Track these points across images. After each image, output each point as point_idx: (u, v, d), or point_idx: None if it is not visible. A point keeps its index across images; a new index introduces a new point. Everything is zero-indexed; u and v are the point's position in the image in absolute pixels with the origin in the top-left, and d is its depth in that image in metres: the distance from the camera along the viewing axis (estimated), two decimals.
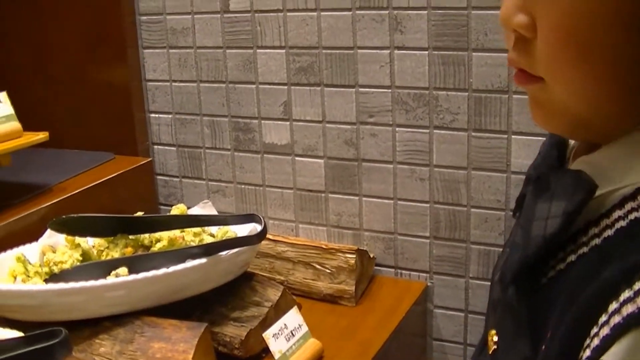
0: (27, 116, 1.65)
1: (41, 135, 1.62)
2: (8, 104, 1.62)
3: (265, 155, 1.71)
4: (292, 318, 1.32)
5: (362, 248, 1.57)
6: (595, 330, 0.56)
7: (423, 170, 1.54)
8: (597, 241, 0.63)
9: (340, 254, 1.52)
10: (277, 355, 1.26)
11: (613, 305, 0.55)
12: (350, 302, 1.52)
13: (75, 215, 1.41)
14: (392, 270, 1.63)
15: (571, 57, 0.62)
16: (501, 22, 0.67)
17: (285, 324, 1.30)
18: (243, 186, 1.77)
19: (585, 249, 0.64)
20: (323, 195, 1.66)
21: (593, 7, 0.59)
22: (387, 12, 1.50)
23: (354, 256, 1.51)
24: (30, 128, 1.63)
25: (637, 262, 0.55)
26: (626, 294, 0.54)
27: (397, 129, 1.54)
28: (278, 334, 1.27)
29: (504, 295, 0.70)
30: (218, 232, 1.46)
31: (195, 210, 1.56)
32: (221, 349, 1.30)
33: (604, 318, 0.55)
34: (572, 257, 0.65)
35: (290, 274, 1.56)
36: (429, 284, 1.59)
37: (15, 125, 1.61)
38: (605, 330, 0.54)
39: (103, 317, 1.26)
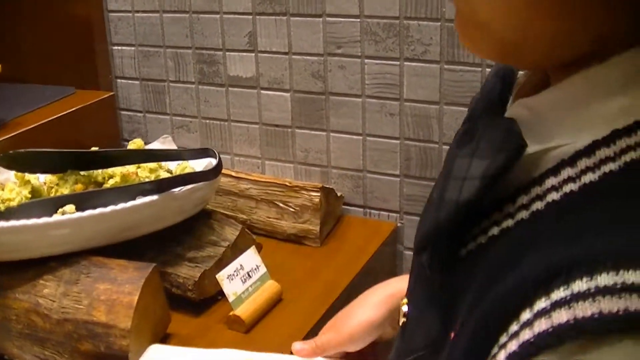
0: None
1: None
2: None
3: (230, 88, 1.63)
4: (250, 258, 1.25)
5: (328, 186, 1.50)
6: (504, 339, 0.44)
7: (393, 105, 1.46)
8: (524, 214, 0.52)
9: (304, 192, 1.45)
10: (231, 298, 1.20)
11: (526, 315, 0.43)
12: (315, 243, 1.45)
13: (24, 150, 1.34)
14: (361, 210, 1.57)
15: None
16: None
17: (241, 265, 1.23)
18: (208, 121, 1.69)
19: (510, 222, 0.53)
20: (290, 130, 1.58)
21: None
22: None
23: (319, 194, 1.44)
24: None
25: (560, 261, 0.43)
26: (542, 303, 0.42)
27: (366, 60, 1.46)
28: (233, 275, 1.21)
29: (417, 260, 0.62)
30: (176, 169, 1.39)
31: (155, 146, 1.49)
32: (175, 291, 1.24)
33: (514, 327, 0.43)
34: (495, 230, 0.53)
35: (253, 213, 1.50)
36: (399, 224, 1.53)
37: None
38: (512, 346, 0.43)
39: (49, 257, 1.19)
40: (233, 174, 1.53)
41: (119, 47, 1.77)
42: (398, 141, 1.48)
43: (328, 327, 1.03)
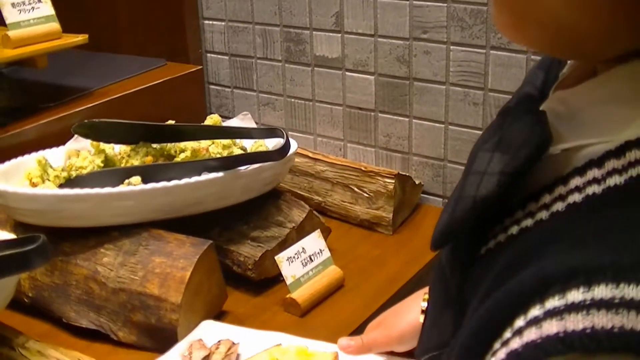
0: (78, 19, 1.58)
1: (80, 38, 1.55)
2: (49, 5, 1.55)
3: (315, 68, 1.61)
4: (313, 242, 1.23)
5: (404, 173, 1.46)
6: (497, 345, 0.40)
7: (477, 94, 1.41)
8: (544, 214, 0.48)
9: (379, 178, 1.42)
10: (289, 280, 1.17)
11: (519, 322, 0.39)
12: (387, 230, 1.42)
13: (99, 120, 1.34)
14: (440, 199, 1.52)
15: None
16: None
17: (303, 248, 1.21)
18: (293, 100, 1.67)
19: (530, 222, 0.49)
20: (372, 114, 1.55)
21: None
22: None
23: (393, 181, 1.40)
24: (81, 31, 1.57)
25: (560, 268, 0.39)
26: (535, 310, 0.38)
27: (451, 47, 1.42)
28: (293, 257, 1.19)
29: (438, 257, 0.58)
30: (252, 147, 1.37)
31: (234, 122, 1.48)
32: (235, 269, 1.23)
33: (507, 334, 0.39)
34: (515, 229, 0.49)
35: (329, 195, 1.47)
36: None
37: (54, 26, 1.55)
38: (501, 354, 0.39)
39: (112, 227, 1.19)
40: (310, 154, 1.51)
41: (210, 22, 1.76)
42: (481, 132, 1.43)
43: (376, 323, 1.01)
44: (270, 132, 1.31)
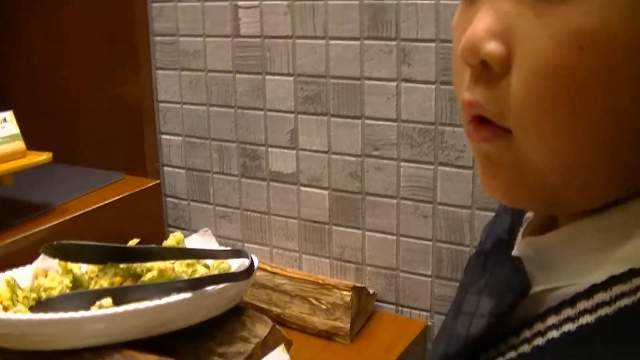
0: (40, 132, 1.64)
1: (44, 157, 1.60)
2: (14, 124, 1.61)
3: (271, 183, 1.68)
4: (278, 356, 1.28)
5: (360, 285, 1.54)
6: None
7: (427, 207, 1.50)
8: (526, 348, 0.53)
9: (336, 290, 1.49)
10: None
11: None
12: (345, 340, 1.48)
13: (67, 242, 1.39)
14: (393, 307, 1.59)
15: (561, 106, 0.47)
16: (465, 48, 0.50)
17: None
18: (249, 213, 1.74)
19: (513, 354, 0.54)
20: (327, 227, 1.63)
21: (616, 44, 0.45)
22: (395, 43, 1.46)
23: (350, 293, 1.47)
24: (43, 144, 1.62)
25: None
26: None
27: (402, 163, 1.50)
28: None
29: None
30: (213, 264, 1.43)
31: (195, 239, 1.53)
32: None
33: None
34: None
35: (287, 307, 1.53)
36: (429, 323, 1.55)
37: (19, 145, 1.60)
38: None
39: (84, 348, 1.23)
40: (269, 268, 1.57)
41: (167, 137, 1.83)
42: (431, 242, 1.51)
43: None
44: (236, 254, 1.37)
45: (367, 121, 1.52)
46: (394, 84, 1.48)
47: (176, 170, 1.84)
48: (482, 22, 0.49)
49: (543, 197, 0.52)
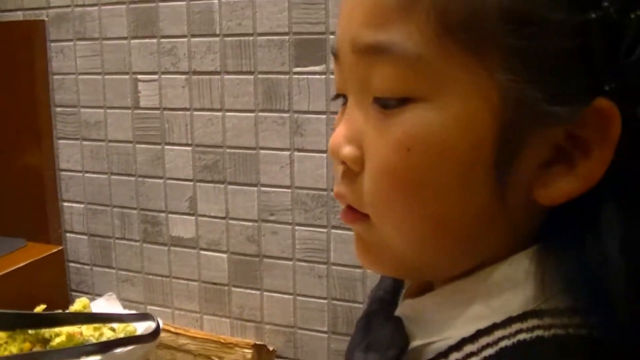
0: None
1: None
2: None
3: (172, 247, 1.76)
4: None
5: (260, 343, 1.62)
6: None
7: (321, 268, 1.60)
8: None
9: (238, 349, 1.57)
10: None
11: None
12: None
13: None
14: None
15: (397, 197, 0.57)
16: (330, 153, 0.60)
17: None
18: (151, 276, 1.81)
19: None
20: (226, 288, 1.71)
21: (434, 144, 0.54)
22: (288, 115, 1.57)
23: (251, 351, 1.56)
24: None
25: None
26: None
27: (296, 227, 1.60)
28: None
29: None
30: (119, 327, 1.49)
31: (100, 303, 1.59)
32: None
33: None
34: None
35: None
36: None
37: None
38: None
39: None
40: (172, 329, 1.64)
41: (69, 204, 1.89)
42: (326, 301, 1.61)
43: None
44: (142, 317, 1.45)
45: (262, 188, 1.62)
46: (287, 153, 1.58)
47: (78, 236, 1.90)
48: (341, 129, 0.60)
49: (402, 268, 0.63)
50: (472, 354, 0.59)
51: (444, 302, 0.63)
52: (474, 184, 0.55)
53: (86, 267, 1.91)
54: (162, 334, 1.61)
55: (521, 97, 0.52)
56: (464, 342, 0.59)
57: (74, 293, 1.94)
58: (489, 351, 0.58)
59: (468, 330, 0.60)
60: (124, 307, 1.79)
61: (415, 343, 0.63)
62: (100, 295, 1.66)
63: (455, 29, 0.52)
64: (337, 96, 0.63)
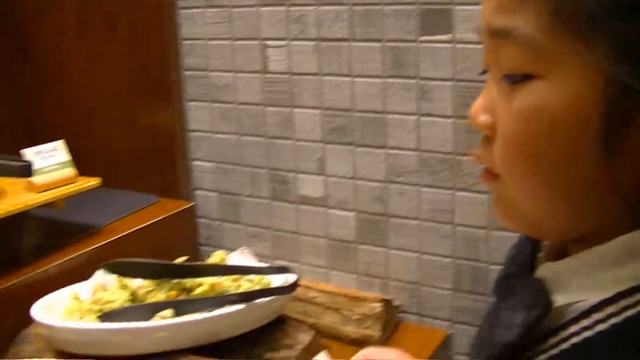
0: (81, 157, 1.79)
1: (93, 182, 1.77)
2: (65, 152, 1.77)
3: (299, 205, 1.85)
4: None
5: (387, 297, 1.70)
6: None
7: (446, 228, 1.66)
8: (554, 352, 0.68)
9: (367, 302, 1.65)
10: None
11: None
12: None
13: (125, 260, 1.54)
14: (415, 317, 1.75)
15: (519, 162, 0.66)
16: (469, 120, 0.71)
17: None
18: (279, 233, 1.90)
19: (543, 357, 0.69)
20: (353, 245, 1.79)
21: (546, 117, 0.62)
22: (414, 81, 1.63)
23: (380, 304, 1.64)
24: (83, 168, 1.79)
25: None
26: None
27: (422, 189, 1.67)
28: None
29: None
30: (255, 279, 1.58)
31: (234, 256, 1.68)
32: None
33: None
34: None
35: (320, 318, 1.69)
36: (449, 332, 1.71)
37: (71, 171, 1.76)
38: None
39: (149, 354, 1.38)
40: (303, 283, 1.73)
41: (199, 163, 2.00)
42: (450, 259, 1.68)
43: None
44: (280, 270, 1.54)
45: (389, 151, 1.69)
46: (414, 117, 1.65)
47: (208, 193, 2.01)
48: (480, 100, 0.70)
49: (528, 224, 0.72)
50: (613, 314, 0.65)
51: (582, 265, 0.69)
52: (580, 156, 0.63)
53: (215, 222, 2.02)
54: None
55: (625, 81, 0.59)
56: (604, 303, 0.66)
57: (202, 247, 2.05)
58: (630, 312, 0.64)
59: (608, 293, 0.66)
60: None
61: (557, 304, 0.69)
62: (229, 250, 1.75)
63: (566, 19, 0.60)
64: (483, 72, 0.72)
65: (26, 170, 1.59)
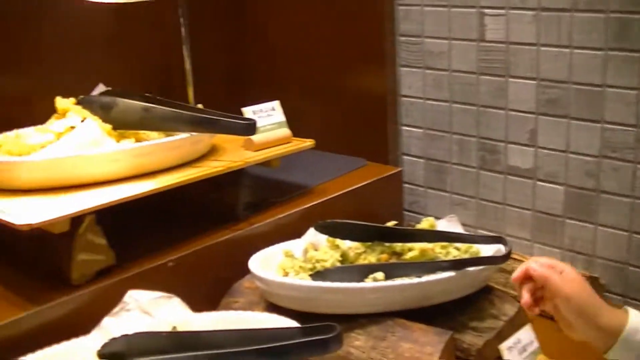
0: (291, 120, 1.86)
1: (308, 143, 1.83)
2: (280, 112, 1.84)
3: (508, 176, 1.84)
4: (526, 334, 1.44)
5: (593, 275, 1.67)
6: None
7: None
8: None
9: None
10: None
11: None
12: None
13: (337, 220, 1.59)
14: (620, 298, 1.72)
15: None
16: None
17: (519, 339, 1.42)
18: (484, 202, 1.90)
19: None
20: (560, 219, 1.77)
21: None
22: (639, 54, 1.58)
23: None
24: (294, 131, 1.86)
25: None
26: None
27: (638, 166, 1.63)
28: (512, 347, 1.40)
29: None
30: (463, 246, 1.60)
31: (442, 224, 1.70)
32: (459, 354, 1.45)
33: None
34: None
35: None
36: None
37: (286, 131, 1.83)
38: None
39: (359, 315, 1.43)
40: None
41: (408, 128, 2.02)
42: None
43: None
44: (494, 240, 1.55)
45: (606, 125, 1.65)
46: (635, 92, 1.60)
47: (415, 159, 2.03)
48: None
49: None
50: None
51: None
52: None
53: (420, 189, 2.05)
54: None
55: None
56: None
57: (406, 213, 2.08)
58: None
59: None
60: None
61: None
62: (432, 217, 1.77)
63: None
64: None
65: (250, 128, 1.66)
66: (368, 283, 1.43)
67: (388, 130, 2.05)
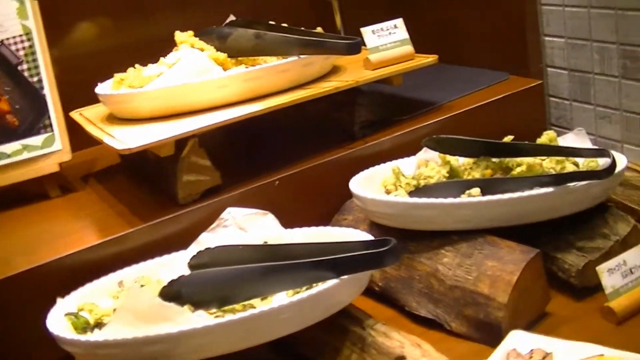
0: (429, 35, 1.79)
1: (431, 59, 1.76)
2: (403, 30, 1.78)
3: None
4: (635, 256, 1.32)
5: None
6: None
7: None
8: None
9: None
10: (608, 290, 1.28)
11: None
12: None
13: (446, 136, 1.52)
14: None
15: None
16: None
17: (624, 261, 1.30)
18: (629, 115, 1.75)
19: None
20: None
21: None
22: None
23: None
24: (428, 46, 1.78)
25: None
26: None
27: None
28: (614, 269, 1.29)
29: None
30: (583, 162, 1.48)
31: (569, 138, 1.59)
32: (560, 275, 1.36)
33: None
34: None
35: None
36: None
37: (408, 49, 1.76)
38: None
39: (452, 231, 1.37)
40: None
41: (550, 38, 1.89)
42: None
43: None
44: (598, 153, 1.42)
45: None
46: None
47: (559, 71, 1.90)
48: None
49: None
50: None
51: None
52: None
53: (565, 102, 1.91)
54: (629, 174, 1.57)
55: None
56: None
57: (553, 128, 1.96)
58: None
59: None
60: (599, 145, 1.78)
61: None
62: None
63: None
64: None
65: (353, 47, 1.62)
66: (459, 199, 1.36)
67: (529, 41, 1.93)
